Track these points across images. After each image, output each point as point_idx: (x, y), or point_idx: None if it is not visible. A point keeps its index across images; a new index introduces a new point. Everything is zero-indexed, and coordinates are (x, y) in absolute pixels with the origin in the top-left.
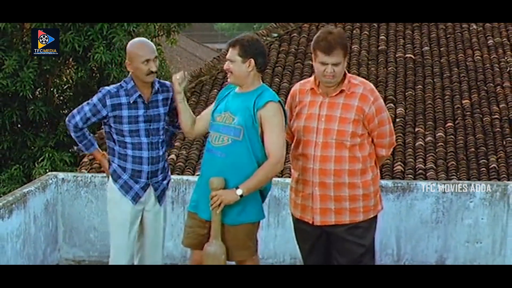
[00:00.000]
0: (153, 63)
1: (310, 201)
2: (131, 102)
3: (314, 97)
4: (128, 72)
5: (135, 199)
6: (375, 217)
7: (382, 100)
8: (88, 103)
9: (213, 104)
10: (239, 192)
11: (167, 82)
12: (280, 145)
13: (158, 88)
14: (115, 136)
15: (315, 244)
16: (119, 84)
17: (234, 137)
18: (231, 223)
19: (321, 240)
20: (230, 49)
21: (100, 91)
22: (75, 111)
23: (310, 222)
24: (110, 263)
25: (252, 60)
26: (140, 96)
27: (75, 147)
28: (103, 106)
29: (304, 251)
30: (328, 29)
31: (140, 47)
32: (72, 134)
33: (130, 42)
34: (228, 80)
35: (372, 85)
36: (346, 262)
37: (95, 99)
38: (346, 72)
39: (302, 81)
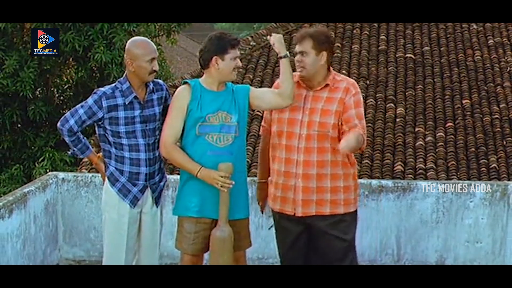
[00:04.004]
0: (155, 62)
1: (292, 192)
2: (127, 103)
3: (299, 90)
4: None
5: (134, 202)
6: (356, 212)
7: (361, 97)
8: (82, 106)
9: (180, 108)
10: (288, 53)
11: (160, 81)
12: None
13: (152, 88)
14: (111, 138)
15: (295, 240)
16: (113, 85)
17: (235, 134)
18: (242, 217)
19: (303, 236)
20: (237, 49)
21: (95, 93)
22: (68, 114)
23: (292, 214)
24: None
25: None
26: (135, 97)
27: (69, 152)
28: (99, 108)
29: (284, 247)
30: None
31: (144, 46)
32: (66, 139)
33: (132, 41)
34: (233, 78)
35: (354, 81)
36: (329, 259)
37: (90, 101)
38: (331, 69)
39: None
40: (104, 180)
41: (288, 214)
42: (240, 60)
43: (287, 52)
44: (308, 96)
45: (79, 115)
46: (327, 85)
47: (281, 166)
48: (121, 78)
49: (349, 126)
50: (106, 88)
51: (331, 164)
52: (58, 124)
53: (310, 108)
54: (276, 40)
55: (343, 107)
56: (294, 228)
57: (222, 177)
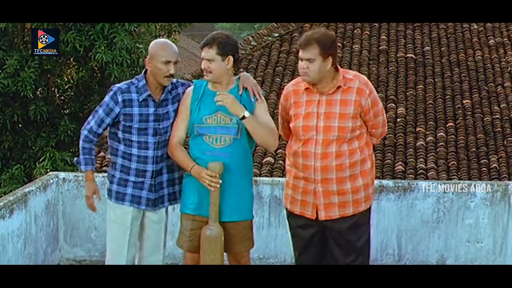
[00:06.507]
0: (172, 66)
1: (311, 196)
2: (141, 100)
3: (311, 96)
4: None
5: (148, 204)
6: (371, 205)
7: (376, 92)
8: (101, 105)
9: (184, 108)
10: (247, 114)
11: (180, 81)
12: (274, 125)
13: (170, 88)
14: (120, 135)
15: (310, 243)
16: (130, 80)
17: (234, 136)
18: (241, 219)
19: (317, 237)
20: (206, 49)
21: (111, 90)
22: (89, 117)
23: (313, 218)
24: (107, 263)
25: (231, 57)
26: (149, 95)
27: (75, 159)
28: (115, 103)
29: (299, 248)
30: (315, 29)
31: (163, 47)
32: (81, 143)
33: (155, 41)
34: (206, 78)
35: (366, 78)
36: (344, 257)
37: (106, 98)
38: (339, 67)
39: (293, 82)
40: (95, 194)
41: (307, 217)
42: (241, 60)
43: (245, 110)
44: (321, 100)
45: (98, 115)
46: (339, 87)
47: (299, 172)
48: (139, 75)
49: (369, 126)
50: (121, 84)
51: (349, 166)
52: (82, 129)
53: (324, 113)
54: (230, 102)
55: (361, 109)
56: (310, 231)
57: (210, 176)
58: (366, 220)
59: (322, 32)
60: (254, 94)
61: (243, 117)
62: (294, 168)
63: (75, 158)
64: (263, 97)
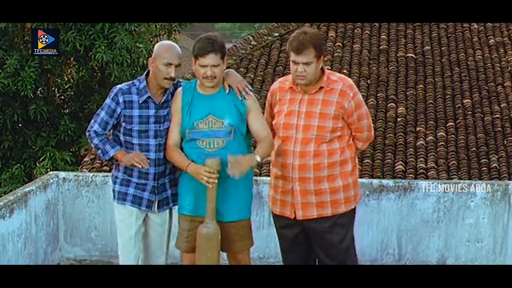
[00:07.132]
0: (173, 69)
1: (290, 196)
2: (141, 101)
3: (294, 95)
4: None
5: (149, 205)
6: (355, 208)
7: (360, 96)
8: (102, 108)
9: (176, 112)
10: (258, 158)
11: (181, 82)
12: (268, 128)
13: (172, 90)
14: (122, 138)
15: (294, 243)
16: (131, 82)
17: (227, 138)
18: (239, 219)
19: (301, 238)
20: (213, 55)
21: (112, 91)
22: (92, 121)
23: (291, 217)
24: (120, 263)
25: (225, 58)
26: (149, 97)
27: (99, 153)
28: (117, 104)
29: (284, 250)
30: (303, 29)
31: (166, 49)
32: (94, 141)
33: (160, 42)
34: (209, 84)
35: (351, 80)
36: (329, 259)
37: (108, 100)
38: (325, 69)
39: (281, 79)
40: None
41: (287, 216)
42: (241, 60)
43: (254, 157)
44: (304, 99)
45: (101, 117)
46: (321, 87)
47: (278, 171)
48: (141, 77)
49: (353, 130)
50: (122, 85)
51: (328, 166)
52: (86, 133)
53: (306, 112)
54: (245, 167)
55: (344, 111)
56: (293, 231)
57: (208, 172)
58: (348, 222)
59: (313, 33)
60: (241, 92)
61: (257, 158)
62: (275, 167)
63: (99, 152)
64: (250, 93)
